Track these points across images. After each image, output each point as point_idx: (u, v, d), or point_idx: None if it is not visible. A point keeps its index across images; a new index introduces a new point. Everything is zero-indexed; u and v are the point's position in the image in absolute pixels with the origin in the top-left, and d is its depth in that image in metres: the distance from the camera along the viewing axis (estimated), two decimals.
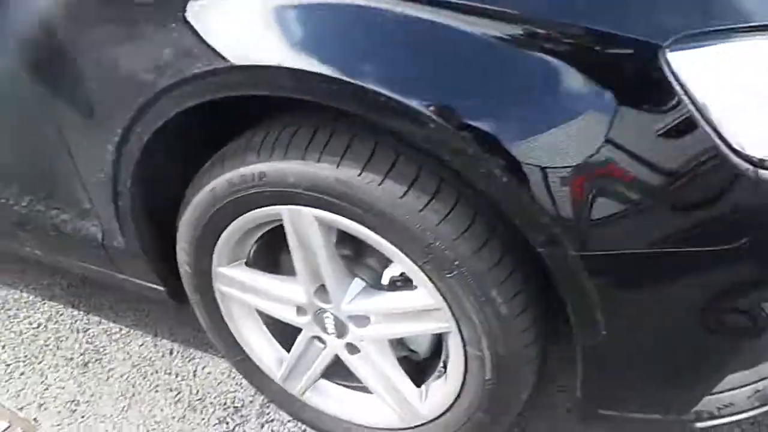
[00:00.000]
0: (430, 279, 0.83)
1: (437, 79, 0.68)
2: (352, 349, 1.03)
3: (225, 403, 1.30)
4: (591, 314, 0.75)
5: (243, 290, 1.06)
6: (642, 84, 0.64)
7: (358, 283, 0.97)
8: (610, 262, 0.71)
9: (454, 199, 0.79)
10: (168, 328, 1.50)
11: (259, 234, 1.01)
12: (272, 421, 1.25)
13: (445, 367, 0.97)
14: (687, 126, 0.63)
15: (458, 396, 0.95)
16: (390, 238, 0.82)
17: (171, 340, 1.48)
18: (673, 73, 0.62)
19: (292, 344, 1.11)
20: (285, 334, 1.15)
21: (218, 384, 1.35)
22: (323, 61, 0.72)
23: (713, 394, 0.84)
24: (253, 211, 0.92)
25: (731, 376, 0.83)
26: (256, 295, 1.06)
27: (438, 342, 1.02)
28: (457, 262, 0.79)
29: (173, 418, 1.28)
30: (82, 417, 1.31)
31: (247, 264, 1.05)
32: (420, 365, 1.06)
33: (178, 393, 1.34)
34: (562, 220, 0.69)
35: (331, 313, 0.99)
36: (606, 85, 0.64)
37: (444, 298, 0.84)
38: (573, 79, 0.65)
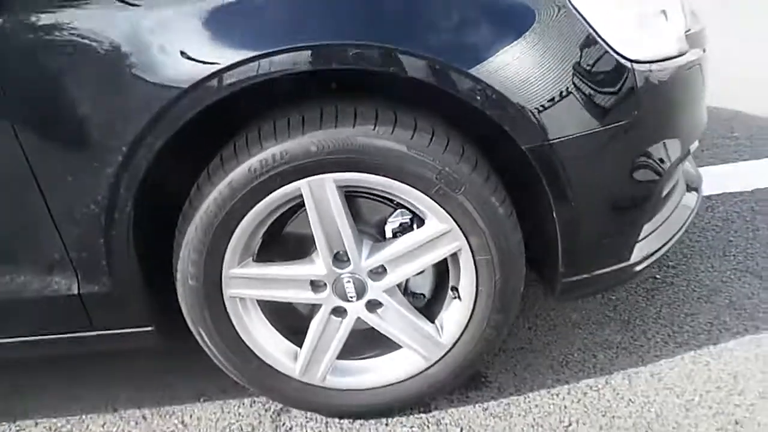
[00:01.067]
0: (441, 205, 1.03)
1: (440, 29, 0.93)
2: (372, 307, 1.15)
3: None
4: (564, 191, 1.03)
5: (256, 287, 1.12)
6: (557, 13, 0.97)
7: (366, 243, 1.12)
8: (566, 145, 1.01)
9: (447, 134, 1.02)
10: (130, 394, 1.39)
11: (266, 227, 1.09)
12: (291, 429, 1.26)
13: (454, 290, 1.15)
14: (590, 40, 0.98)
15: (473, 310, 1.14)
16: (404, 178, 1.01)
17: (137, 406, 1.37)
18: (573, 5, 0.97)
19: (300, 337, 1.19)
20: (292, 329, 1.21)
21: (216, 422, 1.30)
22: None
23: (639, 241, 1.18)
24: (269, 196, 1.02)
25: (646, 225, 1.18)
26: (270, 288, 1.12)
27: (438, 281, 1.21)
28: (462, 180, 1.01)
29: None
30: None
31: (254, 261, 1.12)
32: (425, 308, 1.22)
33: None
34: (534, 119, 0.97)
35: (350, 276, 1.11)
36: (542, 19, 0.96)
37: (453, 218, 1.04)
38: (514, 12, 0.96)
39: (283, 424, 1.27)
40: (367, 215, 1.14)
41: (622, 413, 1.19)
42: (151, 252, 1.12)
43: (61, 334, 1.16)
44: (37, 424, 1.36)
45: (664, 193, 1.23)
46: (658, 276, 1.60)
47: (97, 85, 0.94)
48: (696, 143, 1.25)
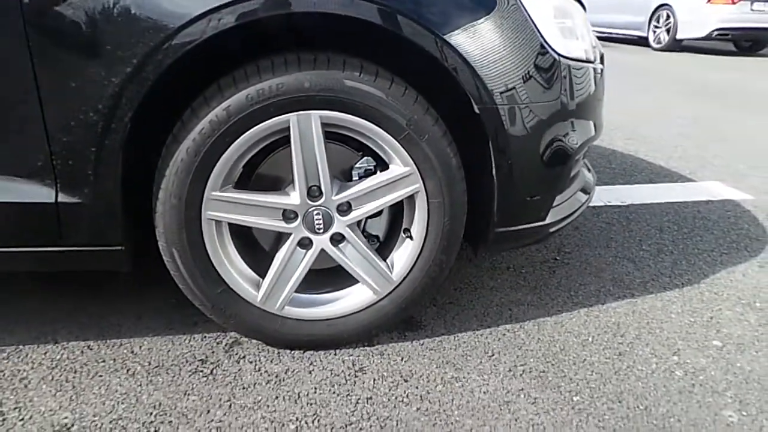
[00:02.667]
0: (406, 149, 1.22)
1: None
2: (335, 242, 1.29)
3: (187, 361, 1.31)
4: (504, 151, 1.27)
5: (234, 211, 1.22)
6: (509, 8, 1.23)
7: (336, 182, 1.27)
8: (509, 111, 1.25)
9: (416, 92, 1.22)
10: (71, 328, 1.39)
11: (248, 157, 1.21)
12: (244, 357, 1.34)
13: (407, 231, 1.33)
14: (533, 35, 1.25)
15: (422, 248, 1.32)
16: (379, 121, 1.19)
17: (80, 339, 1.37)
18: (522, 4, 1.23)
19: (263, 270, 1.30)
20: (256, 261, 1.32)
21: (168, 351, 1.34)
22: None
23: (553, 207, 1.44)
24: (260, 125, 1.15)
25: (557, 196, 1.45)
26: (247, 214, 1.23)
27: (391, 225, 1.39)
28: (426, 129, 1.21)
29: (138, 390, 1.22)
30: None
31: (234, 187, 1.22)
32: (379, 249, 1.38)
33: (129, 370, 1.28)
34: (487, 86, 1.21)
35: (321, 209, 1.25)
36: (499, 13, 1.21)
37: (415, 162, 1.24)
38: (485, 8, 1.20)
39: (236, 354, 1.35)
40: (337, 160, 1.30)
41: (533, 347, 1.42)
42: (133, 169, 1.18)
43: (29, 247, 1.17)
44: None
45: (572, 173, 1.52)
46: (557, 257, 1.90)
47: (111, 2, 1.03)
48: (596, 136, 1.56)
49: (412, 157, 1.23)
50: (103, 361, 1.30)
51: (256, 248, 1.36)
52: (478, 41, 1.19)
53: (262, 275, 1.31)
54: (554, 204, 1.44)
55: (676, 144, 3.41)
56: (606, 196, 2.51)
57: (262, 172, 1.28)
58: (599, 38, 10.51)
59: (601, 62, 1.56)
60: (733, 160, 3.12)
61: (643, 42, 9.40)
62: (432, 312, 1.56)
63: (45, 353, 1.32)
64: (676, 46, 8.76)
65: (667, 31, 8.79)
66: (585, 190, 1.74)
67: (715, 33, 8.35)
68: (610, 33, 10.24)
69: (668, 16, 8.77)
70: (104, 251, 1.21)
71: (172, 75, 1.11)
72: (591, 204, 2.41)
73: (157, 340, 1.39)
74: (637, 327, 1.52)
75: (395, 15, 1.12)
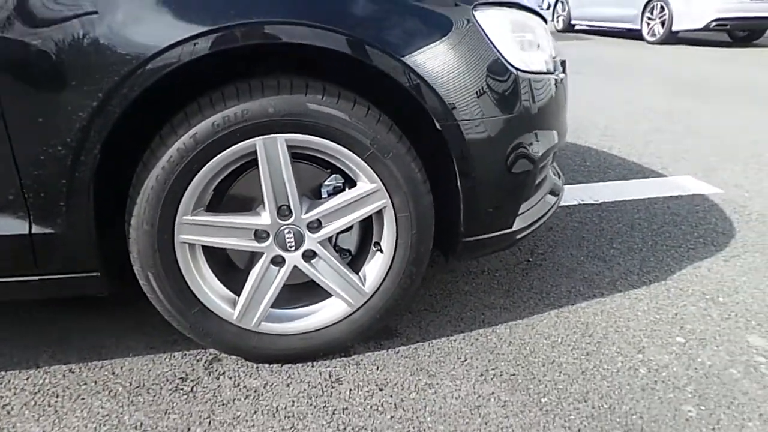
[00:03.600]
0: (371, 167, 1.26)
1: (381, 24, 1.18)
2: (307, 258, 1.33)
3: (168, 380, 1.35)
4: (467, 165, 1.31)
5: (207, 234, 1.25)
6: (465, 27, 1.27)
7: (305, 200, 1.31)
8: (469, 126, 1.30)
9: (379, 111, 1.26)
10: (52, 351, 1.41)
11: (218, 181, 1.25)
12: (224, 373, 1.37)
13: (377, 244, 1.38)
14: (489, 49, 1.29)
15: (392, 261, 1.36)
16: (344, 141, 1.23)
17: (62, 362, 1.40)
18: (477, 22, 1.28)
19: (238, 288, 1.33)
20: (230, 280, 1.35)
21: (149, 371, 1.38)
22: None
23: (519, 215, 1.49)
24: (227, 150, 1.19)
25: (523, 204, 1.50)
26: (219, 236, 1.26)
27: (362, 239, 1.43)
28: (390, 147, 1.25)
29: (120, 411, 1.26)
30: None
31: (206, 210, 1.26)
32: (351, 263, 1.43)
33: (111, 392, 1.31)
34: (448, 105, 1.25)
35: (292, 228, 1.29)
36: (457, 30, 1.25)
37: (381, 179, 1.28)
38: (442, 25, 1.24)
39: (216, 370, 1.39)
40: (306, 179, 1.33)
41: (504, 351, 1.47)
42: (105, 197, 1.21)
43: (6, 277, 1.20)
44: None
45: (537, 180, 1.57)
46: (530, 259, 1.96)
47: (79, 34, 1.06)
48: (559, 143, 1.61)
49: (377, 174, 1.28)
50: (85, 384, 1.34)
51: (230, 266, 1.39)
52: (436, 61, 1.23)
53: (237, 292, 1.34)
54: (520, 212, 1.49)
55: (650, 139, 3.48)
56: (580, 194, 2.57)
57: (232, 193, 1.31)
58: (592, 32, 10.67)
59: (563, 70, 1.61)
60: (705, 153, 3.20)
61: (637, 35, 9.33)
62: (407, 319, 1.60)
63: (27, 378, 1.35)
64: (672, 38, 8.54)
65: (662, 23, 8.58)
66: (554, 192, 1.79)
67: (713, 24, 8.08)
68: (603, 27, 10.15)
69: (662, 8, 8.56)
70: (81, 278, 1.24)
71: (138, 105, 1.14)
72: (565, 203, 2.47)
73: (137, 360, 1.42)
74: (605, 326, 1.57)
75: (362, 44, 1.16)
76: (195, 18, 1.09)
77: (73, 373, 1.37)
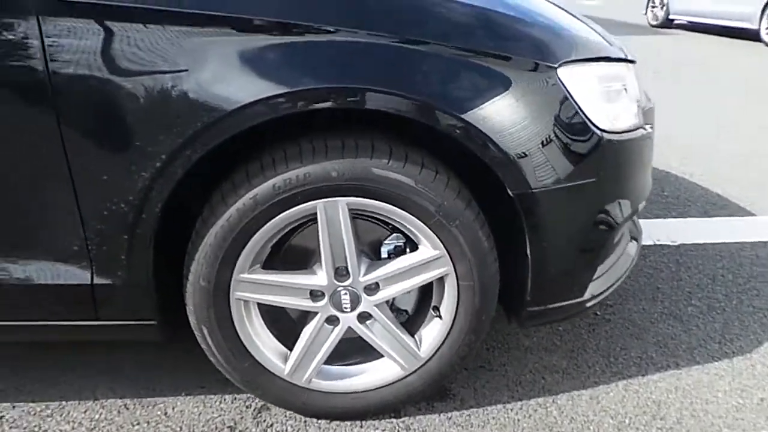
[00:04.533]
0: (436, 234, 1.19)
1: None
2: (362, 318, 1.28)
3: (217, 427, 1.34)
4: (539, 233, 1.22)
5: (261, 292, 1.22)
6: (546, 87, 1.16)
7: (364, 261, 1.25)
8: (545, 194, 1.19)
9: (448, 174, 1.18)
10: (110, 384, 1.44)
11: (277, 238, 1.21)
12: (272, 425, 1.36)
13: (436, 309, 1.31)
14: (572, 110, 1.18)
15: (451, 328, 1.29)
16: (408, 207, 1.16)
17: (118, 395, 1.42)
18: (561, 81, 1.17)
19: (288, 337, 1.30)
20: (283, 330, 1.32)
21: (199, 415, 1.38)
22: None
23: (593, 280, 1.38)
24: (287, 212, 1.14)
25: (599, 266, 1.39)
26: (274, 293, 1.23)
27: (421, 299, 1.36)
28: (457, 214, 1.17)
29: None
30: None
31: (262, 267, 1.23)
32: (407, 322, 1.36)
33: None
34: (523, 171, 1.15)
35: (348, 289, 1.24)
36: (528, 88, 1.15)
37: (445, 246, 1.20)
38: (517, 86, 1.14)
39: (264, 421, 1.37)
40: (365, 235, 1.28)
41: (565, 429, 1.37)
42: (164, 251, 1.21)
43: (65, 321, 1.22)
44: (14, 407, 1.38)
45: (615, 240, 1.45)
46: (598, 313, 1.83)
47: (148, 95, 1.04)
48: (644, 203, 1.48)
49: (442, 241, 1.20)
50: (138, 424, 1.35)
51: (283, 317, 1.36)
52: (511, 125, 1.13)
53: (289, 345, 1.31)
54: (594, 278, 1.38)
55: (737, 166, 3.20)
56: (656, 232, 2.38)
57: (289, 249, 1.27)
58: (694, 29, 9.76)
59: (651, 120, 1.46)
60: None
61: (753, 36, 8.24)
62: (463, 377, 1.53)
63: (85, 411, 1.38)
64: None
65: None
66: (632, 237, 1.66)
67: None
68: (710, 23, 9.00)
69: None
70: (137, 326, 1.24)
71: (200, 165, 1.11)
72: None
73: (189, 401, 1.42)
74: (679, 408, 1.44)
75: (432, 108, 1.09)
76: (272, 79, 1.05)
77: (128, 409, 1.39)
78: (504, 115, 1.13)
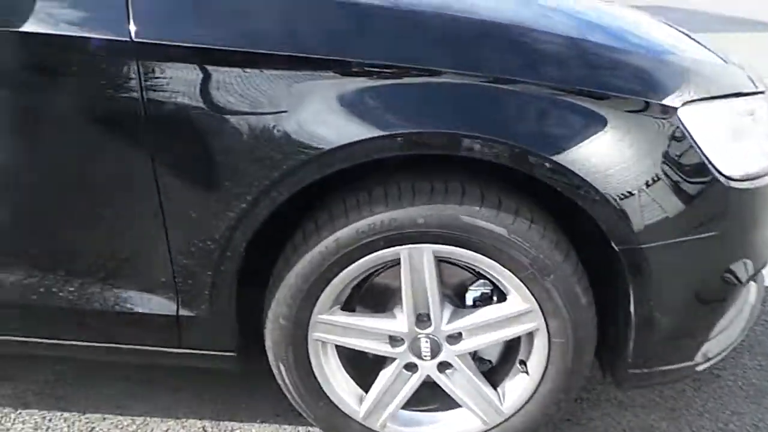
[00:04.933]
0: (528, 287, 1.10)
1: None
2: (442, 367, 1.21)
3: None
4: (647, 291, 1.09)
5: (340, 334, 1.19)
6: (665, 131, 1.03)
7: (447, 308, 1.18)
8: (656, 250, 1.06)
9: (545, 223, 1.09)
10: (192, 403, 1.47)
11: (358, 280, 1.17)
12: None
13: (522, 363, 1.21)
14: (693, 155, 1.04)
15: (538, 385, 1.19)
16: (500, 259, 1.07)
17: (198, 416, 1.45)
18: (682, 123, 1.03)
19: (365, 377, 1.26)
20: (360, 370, 1.28)
21: None
22: None
23: (708, 341, 1.22)
24: (369, 256, 1.10)
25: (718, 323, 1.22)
26: (353, 336, 1.19)
27: (506, 350, 1.27)
28: (552, 268, 1.07)
29: None
30: None
31: (342, 309, 1.19)
32: (490, 373, 1.28)
33: None
34: (630, 225, 1.03)
35: (429, 337, 1.17)
36: (644, 132, 1.03)
37: (537, 301, 1.10)
38: (623, 129, 1.02)
39: None
40: (449, 279, 1.20)
41: None
42: (247, 286, 1.20)
43: (152, 347, 1.25)
44: (104, 418, 1.45)
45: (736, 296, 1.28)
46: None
47: (239, 136, 1.03)
48: None
49: (533, 295, 1.10)
50: None
51: (360, 357, 1.32)
52: (620, 172, 1.02)
53: (365, 386, 1.27)
54: (709, 338, 1.22)
55: None
56: None
57: (370, 288, 1.23)
58: None
59: None
60: None
61: None
62: (546, 431, 1.42)
63: (167, 430, 1.42)
64: None
65: None
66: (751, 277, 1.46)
67: None
68: None
69: None
70: (218, 356, 1.25)
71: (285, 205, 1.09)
72: None
73: (264, 428, 1.42)
74: None
75: (525, 154, 1.00)
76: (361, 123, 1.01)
77: (205, 431, 1.42)
78: (611, 160, 1.02)
